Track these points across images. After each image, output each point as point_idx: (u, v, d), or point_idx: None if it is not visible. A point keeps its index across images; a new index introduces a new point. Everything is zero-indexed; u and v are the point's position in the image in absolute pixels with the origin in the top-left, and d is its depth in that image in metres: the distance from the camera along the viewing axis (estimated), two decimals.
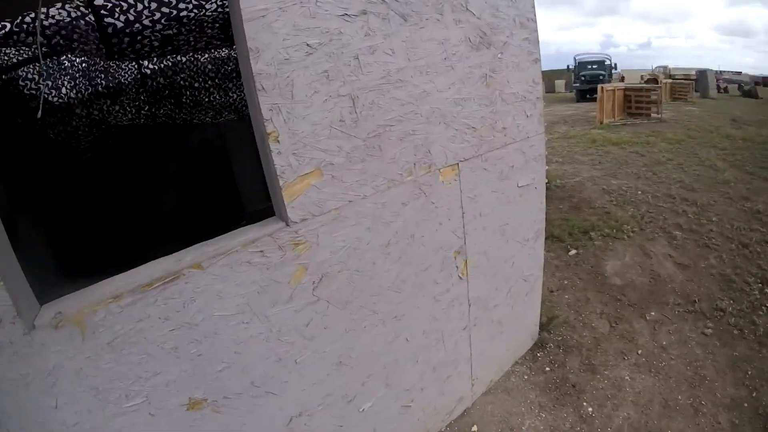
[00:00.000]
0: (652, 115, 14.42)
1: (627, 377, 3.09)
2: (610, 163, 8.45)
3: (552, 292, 4.07)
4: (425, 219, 2.02)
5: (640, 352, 3.32)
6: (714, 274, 4.32)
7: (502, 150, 2.36)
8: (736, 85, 32.32)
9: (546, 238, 4.83)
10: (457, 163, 2.09)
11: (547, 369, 3.19)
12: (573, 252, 4.72)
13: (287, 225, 1.54)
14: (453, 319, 2.40)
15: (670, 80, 25.90)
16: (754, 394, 2.94)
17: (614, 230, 5.17)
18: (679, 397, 2.91)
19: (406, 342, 2.15)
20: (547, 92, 32.23)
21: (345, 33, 1.56)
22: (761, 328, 3.54)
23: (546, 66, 36.97)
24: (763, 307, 3.80)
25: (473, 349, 2.64)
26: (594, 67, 24.82)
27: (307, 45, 1.46)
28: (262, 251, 1.49)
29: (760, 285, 4.12)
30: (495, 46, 2.15)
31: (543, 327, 3.49)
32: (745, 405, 2.86)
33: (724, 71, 42.73)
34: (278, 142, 1.46)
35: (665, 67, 37.37)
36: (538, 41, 2.45)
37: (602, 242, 4.92)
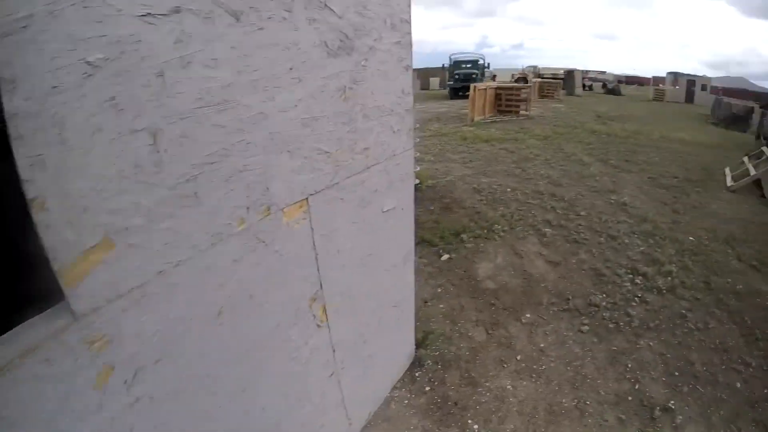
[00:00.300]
0: (521, 112, 15.78)
1: (509, 386, 3.08)
2: (480, 161, 8.90)
3: (426, 302, 3.98)
4: (268, 273, 1.65)
5: (519, 357, 3.35)
6: (585, 269, 4.59)
7: (363, 174, 2.08)
8: (601, 84, 37.14)
9: (417, 244, 4.80)
10: (306, 198, 1.75)
11: (427, 389, 3.05)
12: (446, 257, 4.72)
13: (75, 319, 1.10)
14: (316, 370, 2.09)
15: (539, 79, 28.84)
16: (636, 387, 3.10)
17: (485, 231, 5.34)
18: (563, 400, 2.97)
19: (262, 412, 1.78)
20: (421, 89, 33.89)
21: (145, 41, 1.12)
22: (636, 319, 3.82)
23: (423, 64, 39.04)
24: (635, 298, 4.10)
25: (344, 391, 2.37)
26: (468, 66, 26.91)
27: (87, 63, 1.00)
28: (48, 359, 1.04)
29: (630, 276, 4.48)
30: (359, 52, 1.85)
31: (419, 344, 3.37)
32: (630, 399, 3.00)
33: (590, 71, 49.06)
34: (45, 210, 1.01)
35: (535, 67, 41.61)
36: (411, 45, 2.23)
37: (474, 244, 5.02)
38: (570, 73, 30.53)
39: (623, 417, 2.85)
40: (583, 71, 42.23)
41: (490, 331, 3.62)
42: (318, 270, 1.92)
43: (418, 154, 6.89)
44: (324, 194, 1.85)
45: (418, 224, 5.38)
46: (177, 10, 1.18)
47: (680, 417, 2.88)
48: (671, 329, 3.72)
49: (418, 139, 9.47)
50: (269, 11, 1.40)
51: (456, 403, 2.94)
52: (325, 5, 1.62)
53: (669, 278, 4.46)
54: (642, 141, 12.12)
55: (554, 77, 30.73)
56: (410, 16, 2.18)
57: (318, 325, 2.03)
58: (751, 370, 3.34)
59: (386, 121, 2.18)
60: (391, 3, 2.01)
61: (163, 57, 1.18)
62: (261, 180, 1.52)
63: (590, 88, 36.37)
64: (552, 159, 9.14)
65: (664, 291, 4.26)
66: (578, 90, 30.00)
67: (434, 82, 35.79)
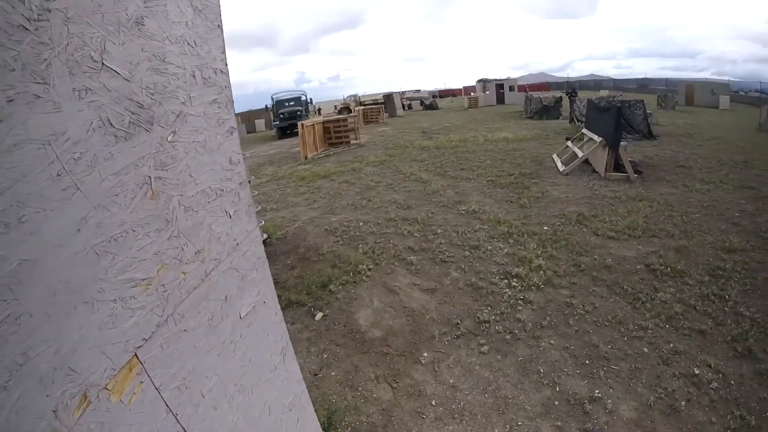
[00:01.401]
0: (352, 141, 16.06)
1: None
2: (324, 199, 8.66)
3: (316, 374, 3.51)
4: None
5: (434, 402, 3.10)
6: (462, 287, 4.53)
7: (203, 286, 1.50)
8: (419, 101, 39.99)
9: (285, 308, 4.30)
10: (134, 354, 1.12)
11: None
12: (319, 315, 4.29)
13: None
14: None
15: (361, 107, 29.90)
16: (557, 389, 3.07)
17: (351, 274, 5.04)
18: (496, 430, 2.81)
19: None
20: (248, 132, 33.09)
21: None
22: (528, 322, 3.83)
23: (245, 107, 38.36)
24: (519, 302, 4.11)
25: None
26: (291, 103, 26.93)
27: None
28: None
29: (506, 281, 4.52)
30: (162, 124, 1.29)
31: (326, 429, 2.94)
32: (557, 403, 2.95)
33: (407, 91, 52.78)
34: None
35: (355, 95, 43.26)
36: (232, 101, 1.73)
37: (345, 292, 4.68)
38: (389, 97, 32.38)
39: (559, 423, 2.79)
40: (400, 93, 45.34)
41: (394, 385, 3.31)
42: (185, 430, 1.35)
43: (259, 207, 6.36)
44: (158, 337, 1.27)
45: (280, 284, 4.91)
46: None
47: (609, 401, 2.91)
48: (564, 320, 3.82)
49: (255, 192, 8.94)
50: (11, 89, 0.83)
51: None
52: (103, 64, 1.09)
53: (541, 272, 4.62)
54: (470, 147, 13.04)
55: (375, 102, 32.35)
56: (227, 64, 1.72)
57: None
58: (649, 332, 3.56)
59: (217, 205, 1.65)
60: (200, 51, 1.55)
61: None
62: (57, 361, 0.94)
63: (410, 107, 39.05)
64: (393, 183, 9.26)
65: (542, 285, 4.39)
66: (399, 111, 31.89)
67: (259, 123, 35.30)
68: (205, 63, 1.56)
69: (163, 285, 1.28)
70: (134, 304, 1.16)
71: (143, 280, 1.20)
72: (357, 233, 6.41)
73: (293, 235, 6.65)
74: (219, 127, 1.66)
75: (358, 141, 16.11)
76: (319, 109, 35.68)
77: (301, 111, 26.09)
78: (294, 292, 4.74)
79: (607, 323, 3.71)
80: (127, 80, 1.17)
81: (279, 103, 26.85)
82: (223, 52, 1.71)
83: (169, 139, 1.34)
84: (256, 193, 6.83)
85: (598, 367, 3.24)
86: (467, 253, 5.31)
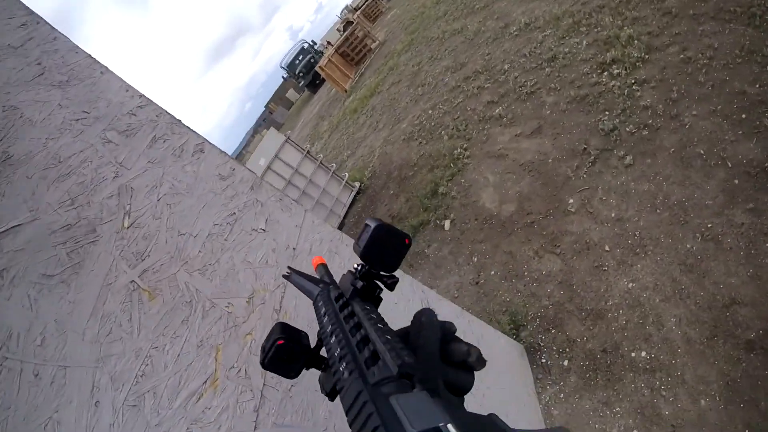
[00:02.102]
0: (373, 46, 15.06)
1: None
2: (383, 114, 8.13)
3: (477, 283, 3.27)
4: None
5: (607, 248, 2.72)
6: (565, 108, 3.92)
7: None
8: None
9: (414, 236, 4.06)
10: None
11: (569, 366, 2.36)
12: (447, 223, 3.97)
13: None
14: None
15: (358, 11, 27.86)
16: (729, 165, 2.51)
17: (451, 165, 4.61)
18: (687, 245, 2.39)
19: None
20: (288, 109, 33.06)
21: None
22: (657, 105, 3.17)
23: (270, 90, 38.60)
24: (633, 87, 3.43)
25: None
26: (300, 58, 26.29)
27: None
28: None
29: (606, 73, 3.82)
30: (105, 217, 1.15)
31: (519, 331, 2.70)
32: (736, 182, 2.45)
33: None
34: None
35: (346, 6, 40.65)
36: (176, 119, 1.46)
37: (457, 186, 4.30)
38: None
39: (751, 206, 2.29)
40: None
41: (557, 251, 2.96)
42: None
43: (335, 165, 6.07)
44: None
45: (396, 217, 4.65)
46: None
47: None
48: (692, 81, 3.12)
49: (323, 153, 8.70)
50: None
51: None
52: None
53: (636, 42, 3.84)
54: None
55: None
56: (140, 95, 1.41)
57: None
58: None
59: (242, 238, 1.41)
60: (94, 113, 1.23)
61: None
62: None
63: None
64: (433, 53, 8.39)
65: (645, 56, 3.63)
66: None
67: (291, 94, 35.19)
68: (110, 119, 1.28)
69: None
70: None
71: None
72: (432, 123, 5.89)
73: (379, 165, 6.33)
74: (179, 159, 1.37)
75: (377, 42, 15.12)
76: (329, 42, 34.30)
77: (313, 57, 25.44)
78: (412, 216, 4.47)
79: (739, 60, 2.91)
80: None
81: (291, 66, 26.37)
82: (127, 90, 1.37)
83: (125, 225, 1.13)
84: (323, 155, 6.51)
85: (760, 115, 2.55)
86: (547, 68, 4.56)
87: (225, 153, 1.55)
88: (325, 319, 0.61)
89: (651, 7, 3.99)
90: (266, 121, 35.08)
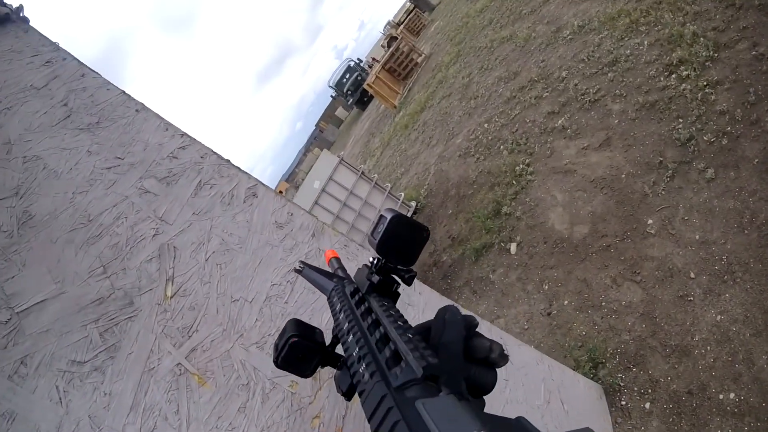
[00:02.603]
0: (419, 60, 14.98)
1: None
2: (436, 129, 7.95)
3: (549, 314, 3.07)
4: None
5: (692, 274, 2.46)
6: (634, 116, 3.64)
7: None
8: None
9: (476, 260, 3.88)
10: None
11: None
12: (513, 246, 3.78)
13: None
14: None
15: (401, 25, 27.96)
16: None
17: (514, 182, 4.39)
18: None
19: None
20: (338, 127, 33.60)
21: None
22: (735, 109, 2.85)
23: (320, 109, 39.65)
24: (705, 89, 3.13)
25: None
26: (347, 77, 26.28)
27: None
28: None
29: (673, 75, 3.50)
30: (144, 287, 1.10)
31: (597, 370, 2.51)
32: None
33: None
34: None
35: (388, 21, 40.97)
36: (224, 159, 1.43)
37: (521, 206, 4.08)
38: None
39: None
40: None
41: (637, 279, 2.71)
42: None
43: (388, 184, 5.98)
44: None
45: (457, 240, 4.50)
46: None
47: None
48: None
49: (377, 173, 8.64)
50: None
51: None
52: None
53: (701, 39, 3.49)
54: None
55: (408, 12, 29.92)
56: (182, 134, 1.32)
57: None
58: None
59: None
60: (130, 159, 1.24)
61: None
62: None
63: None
64: (482, 63, 8.15)
65: (714, 54, 3.29)
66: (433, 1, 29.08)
67: (340, 112, 35.80)
68: (147, 165, 1.22)
69: None
70: None
71: None
72: (489, 137, 5.66)
73: (435, 183, 6.18)
74: (229, 207, 1.31)
75: (423, 55, 15.03)
76: (374, 59, 34.67)
77: (360, 74, 25.39)
78: (474, 238, 4.29)
79: None
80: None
81: (338, 85, 26.49)
82: (167, 128, 1.30)
83: (168, 294, 1.05)
84: (377, 175, 6.44)
85: None
86: (610, 74, 4.26)
87: (281, 195, 1.46)
88: (341, 315, 0.59)
89: (715, 2, 3.67)
90: (317, 139, 35.93)
